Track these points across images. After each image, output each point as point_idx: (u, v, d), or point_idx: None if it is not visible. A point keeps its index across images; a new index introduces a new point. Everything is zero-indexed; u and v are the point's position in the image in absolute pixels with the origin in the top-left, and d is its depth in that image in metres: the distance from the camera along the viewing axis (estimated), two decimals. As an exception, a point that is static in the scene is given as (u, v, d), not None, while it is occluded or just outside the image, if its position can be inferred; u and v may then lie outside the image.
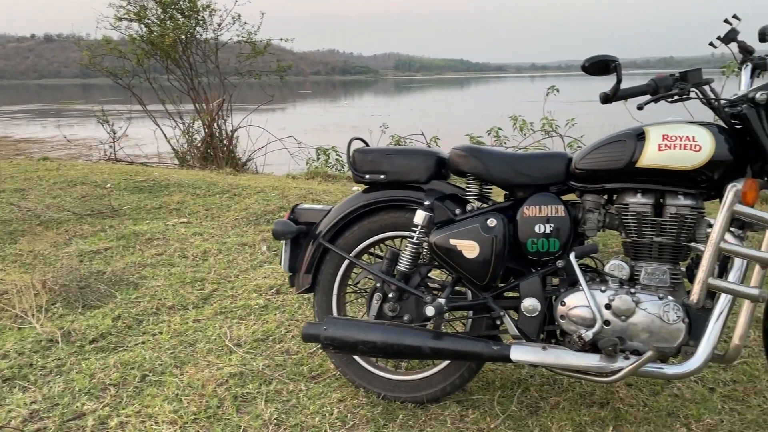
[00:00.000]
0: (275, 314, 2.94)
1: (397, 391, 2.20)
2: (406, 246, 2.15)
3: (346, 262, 2.25)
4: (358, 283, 2.34)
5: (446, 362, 2.16)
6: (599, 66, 1.80)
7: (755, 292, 1.70)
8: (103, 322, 2.84)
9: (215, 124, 8.51)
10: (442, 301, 2.05)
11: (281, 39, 9.61)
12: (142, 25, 8.61)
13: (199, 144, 8.65)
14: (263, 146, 8.77)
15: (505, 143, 7.91)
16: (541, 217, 1.98)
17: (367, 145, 2.30)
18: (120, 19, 8.58)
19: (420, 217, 2.10)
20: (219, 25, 8.82)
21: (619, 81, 1.80)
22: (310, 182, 6.64)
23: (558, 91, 7.96)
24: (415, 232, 2.12)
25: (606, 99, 1.86)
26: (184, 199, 5.14)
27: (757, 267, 1.74)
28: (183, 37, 8.59)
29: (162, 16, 8.60)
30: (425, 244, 2.12)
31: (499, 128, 7.93)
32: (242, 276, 3.45)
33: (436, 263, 2.14)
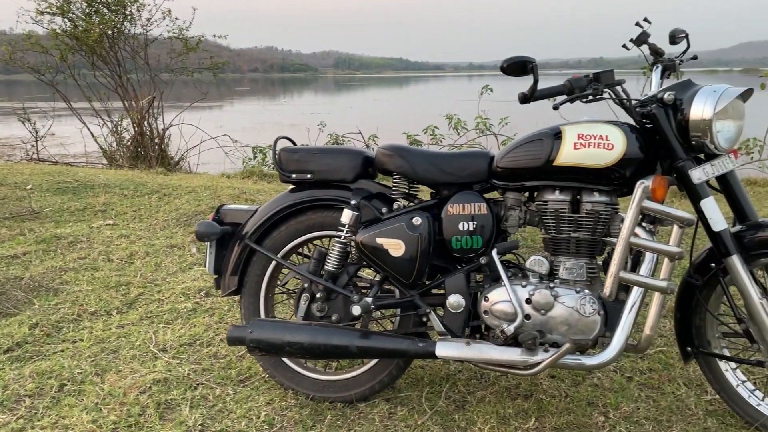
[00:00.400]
0: (204, 317, 2.87)
1: (327, 392, 2.19)
2: (334, 245, 2.14)
3: (274, 262, 2.23)
4: (285, 283, 2.32)
5: (375, 361, 2.17)
6: (517, 67, 1.84)
7: (664, 284, 1.78)
8: (19, 330, 2.70)
9: (146, 122, 8.23)
10: (369, 300, 2.06)
11: (214, 35, 9.40)
12: (66, 20, 8.23)
13: (129, 143, 8.35)
14: (197, 145, 8.56)
15: (441, 141, 8.02)
16: (464, 215, 2.02)
17: (294, 144, 2.29)
18: (41, 12, 8.18)
19: (347, 216, 2.10)
20: (148, 20, 8.54)
21: (535, 81, 1.84)
22: (245, 181, 6.52)
23: (492, 90, 8.10)
24: (342, 231, 2.12)
25: (524, 99, 1.90)
26: (111, 200, 4.95)
27: (666, 260, 1.83)
28: (110, 32, 8.26)
29: (87, 11, 8.25)
30: (353, 244, 2.11)
31: (435, 127, 8.01)
32: (170, 279, 3.35)
33: (364, 262, 2.14)
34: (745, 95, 1.87)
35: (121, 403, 2.15)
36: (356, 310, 2.02)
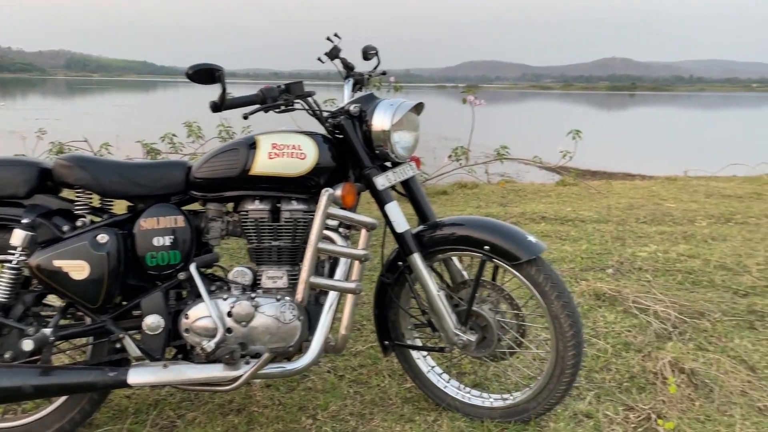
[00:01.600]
0: None
1: (2, 442, 1.89)
2: (3, 272, 1.85)
3: None
4: (-58, 321, 1.94)
5: (64, 398, 1.93)
6: (204, 74, 1.78)
7: (352, 285, 1.87)
8: None
9: None
10: (47, 331, 1.82)
11: None
12: None
13: None
14: None
15: (180, 150, 7.67)
16: (159, 229, 1.90)
17: (-49, 155, 1.93)
18: None
19: (18, 237, 1.82)
20: None
21: (223, 90, 1.81)
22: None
23: (236, 97, 7.98)
24: (13, 255, 1.84)
25: (215, 108, 1.85)
26: None
27: (356, 263, 1.93)
28: None
29: None
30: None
31: (174, 134, 7.65)
32: None
33: (45, 289, 1.89)
34: (418, 108, 2.06)
35: None
36: (28, 344, 1.77)
